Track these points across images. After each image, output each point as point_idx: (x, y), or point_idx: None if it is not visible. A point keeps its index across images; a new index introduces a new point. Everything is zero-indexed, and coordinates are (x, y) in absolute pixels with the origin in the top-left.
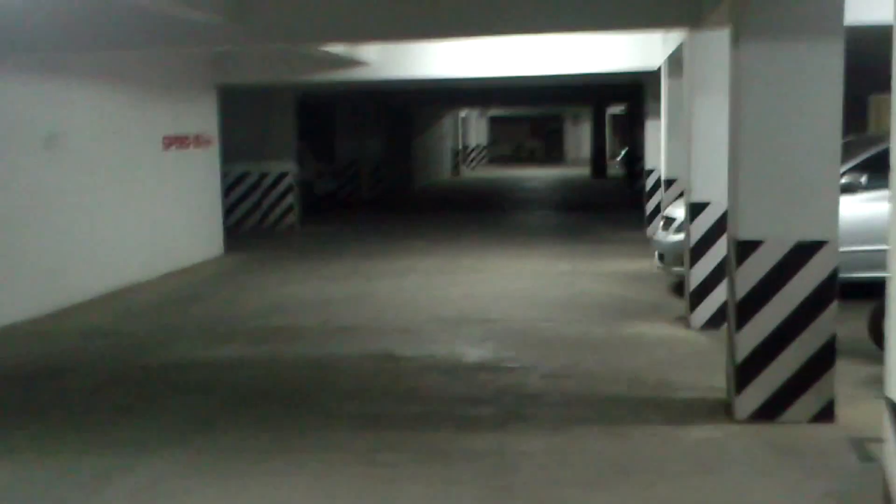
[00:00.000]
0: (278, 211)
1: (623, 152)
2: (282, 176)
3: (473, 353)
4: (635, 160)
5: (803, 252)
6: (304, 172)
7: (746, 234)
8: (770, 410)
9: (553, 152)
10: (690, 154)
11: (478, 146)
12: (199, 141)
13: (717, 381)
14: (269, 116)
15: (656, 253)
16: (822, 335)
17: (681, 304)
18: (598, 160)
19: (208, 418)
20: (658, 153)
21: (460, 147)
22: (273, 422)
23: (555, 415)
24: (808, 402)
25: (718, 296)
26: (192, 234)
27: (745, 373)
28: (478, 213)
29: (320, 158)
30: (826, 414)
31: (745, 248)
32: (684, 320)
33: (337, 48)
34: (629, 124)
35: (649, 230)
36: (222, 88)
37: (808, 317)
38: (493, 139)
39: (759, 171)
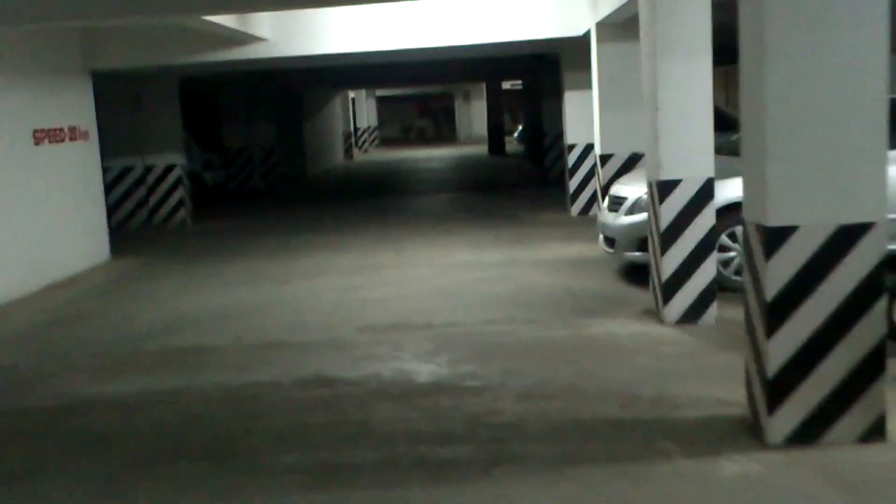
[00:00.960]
0: (167, 207)
1: (520, 128)
2: (168, 169)
3: (424, 371)
4: (539, 135)
5: (846, 237)
6: (190, 163)
7: (777, 219)
8: (810, 432)
9: (444, 131)
10: (657, 126)
11: (368, 128)
12: (75, 133)
13: (722, 391)
14: (151, 104)
15: (601, 236)
16: (870, 336)
17: (642, 295)
18: (496, 137)
19: (112, 485)
20: (582, 127)
21: (352, 130)
22: (195, 486)
23: (549, 452)
24: (855, 419)
25: (695, 285)
26: (73, 240)
27: (778, 388)
28: (383, 199)
29: (207, 148)
30: (877, 431)
31: (776, 237)
32: (653, 314)
33: (229, 23)
34: (530, 98)
35: (573, 210)
36: (97, 75)
37: (854, 315)
38: (382, 120)
39: (791, 146)
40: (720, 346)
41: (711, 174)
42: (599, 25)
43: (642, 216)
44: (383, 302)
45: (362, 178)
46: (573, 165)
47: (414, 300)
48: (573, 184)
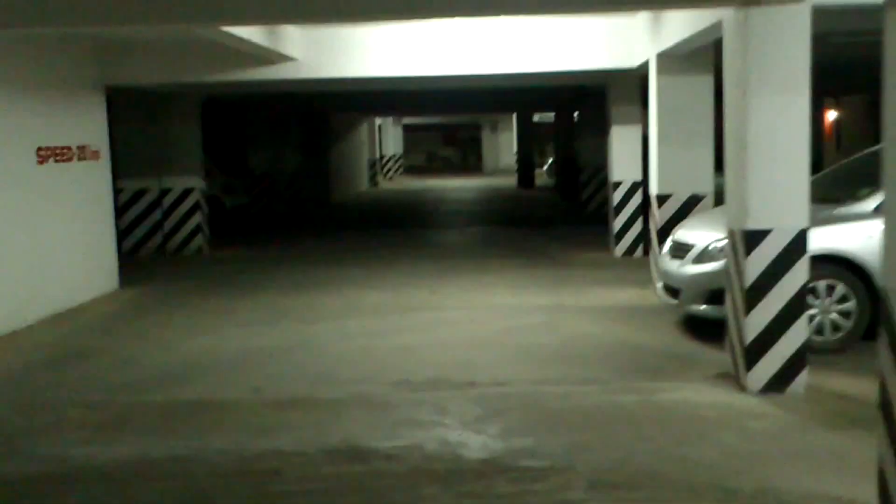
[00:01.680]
0: (183, 232)
1: (550, 161)
2: (186, 192)
3: (474, 444)
4: (574, 170)
5: None
6: (210, 187)
7: None
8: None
9: (469, 161)
10: (745, 168)
11: (394, 155)
12: (85, 153)
13: (833, 484)
14: (170, 124)
15: (660, 285)
16: None
17: (712, 354)
18: (525, 170)
19: None
20: (629, 163)
21: (378, 157)
22: None
23: None
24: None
25: (784, 349)
26: (78, 267)
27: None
28: (412, 231)
29: (230, 171)
30: None
31: None
32: (731, 379)
33: (256, 39)
34: (563, 131)
35: (617, 250)
36: (112, 91)
37: None
38: (407, 148)
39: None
40: (818, 423)
41: (806, 224)
42: (661, 56)
43: (712, 266)
44: (419, 350)
45: (389, 207)
46: (618, 203)
47: (453, 349)
48: (618, 223)
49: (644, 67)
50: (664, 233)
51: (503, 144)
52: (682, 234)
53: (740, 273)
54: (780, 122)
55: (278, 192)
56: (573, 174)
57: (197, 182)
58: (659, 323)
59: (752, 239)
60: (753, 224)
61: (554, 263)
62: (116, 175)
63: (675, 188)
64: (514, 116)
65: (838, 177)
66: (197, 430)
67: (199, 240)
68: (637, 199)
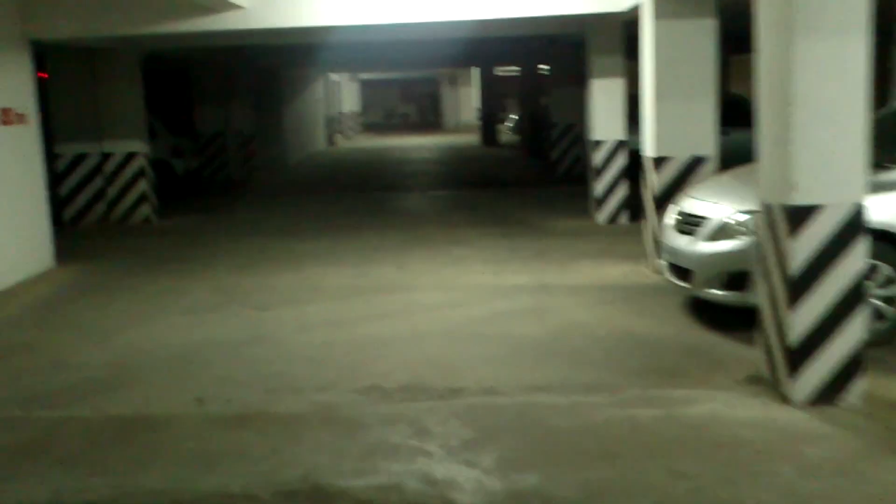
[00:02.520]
0: (128, 200)
1: (514, 117)
2: (130, 157)
3: (466, 481)
4: (542, 126)
5: None
6: (158, 150)
7: None
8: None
9: (428, 118)
10: (789, 129)
11: (352, 113)
12: (9, 117)
13: None
14: (109, 83)
15: (664, 262)
16: None
17: (735, 348)
18: (489, 127)
19: None
20: (612, 121)
21: (336, 114)
22: None
23: None
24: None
25: (837, 351)
26: (4, 245)
27: None
28: (373, 195)
29: (177, 132)
30: None
31: None
32: (768, 385)
33: None
34: (529, 85)
35: (600, 216)
36: (45, 48)
37: None
38: (364, 106)
39: None
40: (891, 448)
41: (863, 197)
42: None
43: (732, 244)
44: (390, 344)
45: (348, 168)
46: (601, 165)
47: (429, 343)
48: (600, 187)
49: (633, 11)
50: (661, 201)
51: (463, 100)
52: (692, 204)
53: (781, 258)
54: (833, 72)
55: (231, 155)
56: (541, 131)
57: (140, 146)
58: (663, 307)
59: (798, 216)
60: (801, 198)
61: (531, 232)
62: (54, 140)
63: (673, 150)
64: (476, 71)
65: (877, 135)
66: (126, 461)
67: (145, 208)
68: (621, 160)
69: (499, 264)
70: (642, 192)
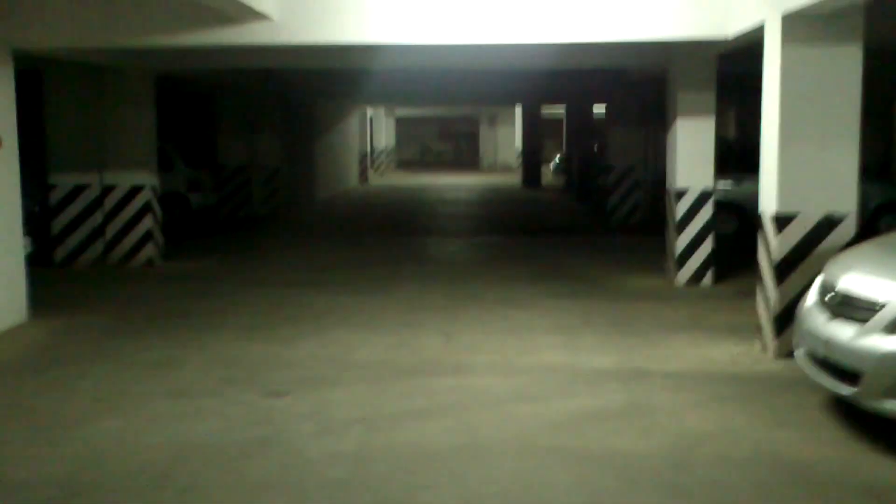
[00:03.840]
0: (130, 240)
1: (557, 158)
2: (134, 190)
3: None
4: (595, 169)
5: None
6: (172, 182)
7: None
8: None
9: (465, 156)
10: None
11: (385, 149)
12: None
13: None
14: (114, 106)
15: (806, 353)
16: None
17: None
18: (531, 167)
19: None
20: (699, 166)
21: (368, 150)
22: None
23: None
24: None
25: None
26: None
27: None
28: (409, 240)
29: (197, 164)
30: None
31: None
32: None
33: None
34: (579, 124)
35: (680, 276)
36: (25, 58)
37: None
38: (398, 141)
39: None
40: None
41: None
42: (790, 18)
43: None
44: (441, 461)
45: (382, 208)
46: (682, 218)
47: (496, 463)
48: (681, 243)
49: (747, 36)
50: (784, 268)
51: (501, 139)
52: (855, 279)
53: None
54: None
55: (254, 190)
56: (591, 174)
57: (147, 178)
58: (803, 410)
59: None
60: None
61: (600, 292)
62: (48, 169)
63: (802, 205)
64: (517, 109)
65: None
66: None
67: (149, 250)
68: (707, 212)
69: (571, 336)
70: (759, 256)
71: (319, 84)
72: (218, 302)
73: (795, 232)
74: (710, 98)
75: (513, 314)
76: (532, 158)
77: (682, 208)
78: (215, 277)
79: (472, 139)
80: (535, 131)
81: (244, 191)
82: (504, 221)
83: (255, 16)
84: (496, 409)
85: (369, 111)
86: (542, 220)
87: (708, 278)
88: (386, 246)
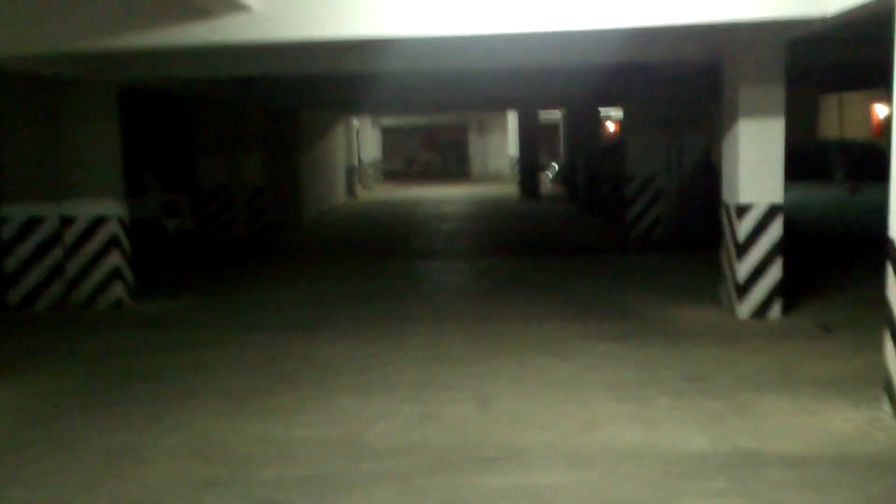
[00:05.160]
0: (94, 279)
1: (555, 166)
2: (99, 221)
3: None
4: (603, 179)
5: None
6: (146, 207)
7: None
8: None
9: (452, 166)
10: None
11: (373, 161)
12: None
13: None
14: (74, 125)
15: None
16: None
17: None
18: (530, 177)
19: None
20: (766, 177)
21: (356, 163)
22: None
23: None
24: None
25: None
26: None
27: None
28: (411, 266)
29: (173, 186)
30: None
31: None
32: None
33: None
34: (583, 131)
35: (742, 308)
36: None
37: None
38: (384, 152)
39: None
40: None
41: None
42: None
43: None
44: None
45: (374, 226)
46: (747, 238)
47: None
48: (745, 268)
49: (849, 14)
50: None
51: (492, 147)
52: None
53: None
54: None
55: (237, 212)
56: (598, 184)
57: (113, 207)
58: None
59: None
60: None
61: (653, 332)
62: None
63: None
64: (509, 115)
65: None
66: None
67: (117, 289)
68: (776, 231)
69: (638, 398)
70: (888, 292)
71: (305, 93)
72: (198, 356)
73: None
74: (779, 94)
75: (554, 366)
76: (530, 167)
77: (745, 227)
78: (194, 322)
79: (459, 148)
80: (533, 137)
81: (226, 213)
82: (511, 239)
83: (232, 6)
84: None
85: (355, 122)
86: (552, 238)
87: (776, 310)
88: (386, 275)
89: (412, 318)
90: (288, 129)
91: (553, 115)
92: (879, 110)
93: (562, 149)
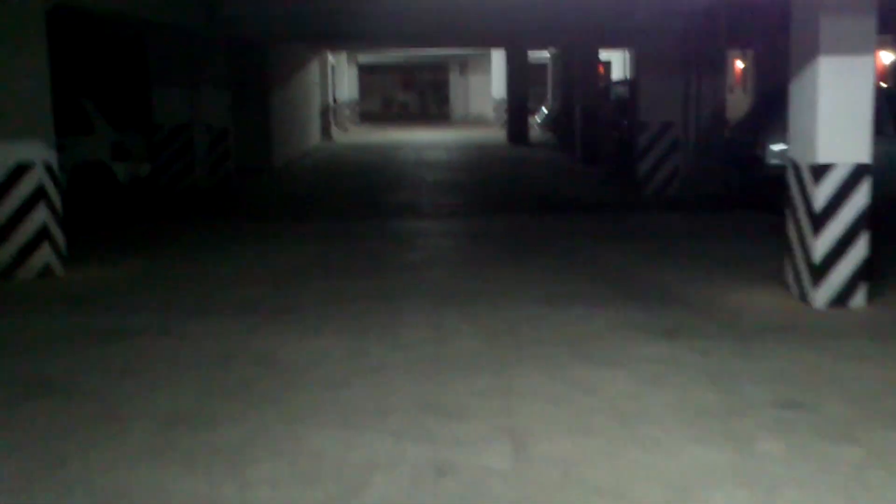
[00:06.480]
0: (17, 240)
1: (544, 110)
2: (21, 169)
3: None
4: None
5: None
6: (93, 149)
7: None
8: None
9: (431, 108)
10: None
11: (349, 101)
12: None
13: None
14: None
15: None
16: None
17: None
18: (519, 121)
19: None
20: (851, 132)
21: (331, 103)
22: None
23: None
24: None
25: None
26: None
27: None
28: (396, 225)
29: (124, 125)
30: None
31: None
32: None
33: None
34: (582, 74)
35: (819, 294)
36: None
37: None
38: (360, 92)
39: None
40: None
41: None
42: None
43: None
44: None
45: (352, 176)
46: (825, 207)
47: None
48: (823, 245)
49: None
50: None
51: (474, 90)
52: None
53: None
54: None
55: (198, 156)
56: (597, 130)
57: (39, 150)
58: None
59: None
60: None
61: (709, 325)
62: None
63: None
64: (494, 54)
65: None
66: None
67: (44, 252)
68: (862, 198)
69: (730, 437)
70: None
71: (275, 22)
72: (128, 352)
73: None
74: (869, 26)
75: (601, 379)
76: (519, 111)
77: (823, 193)
78: (133, 299)
79: (439, 88)
80: (523, 79)
81: (185, 157)
82: (505, 192)
83: None
84: None
85: (331, 59)
86: (552, 192)
87: (860, 297)
88: (368, 237)
89: (402, 298)
90: (255, 64)
91: (541, 55)
92: None
93: (549, 92)
